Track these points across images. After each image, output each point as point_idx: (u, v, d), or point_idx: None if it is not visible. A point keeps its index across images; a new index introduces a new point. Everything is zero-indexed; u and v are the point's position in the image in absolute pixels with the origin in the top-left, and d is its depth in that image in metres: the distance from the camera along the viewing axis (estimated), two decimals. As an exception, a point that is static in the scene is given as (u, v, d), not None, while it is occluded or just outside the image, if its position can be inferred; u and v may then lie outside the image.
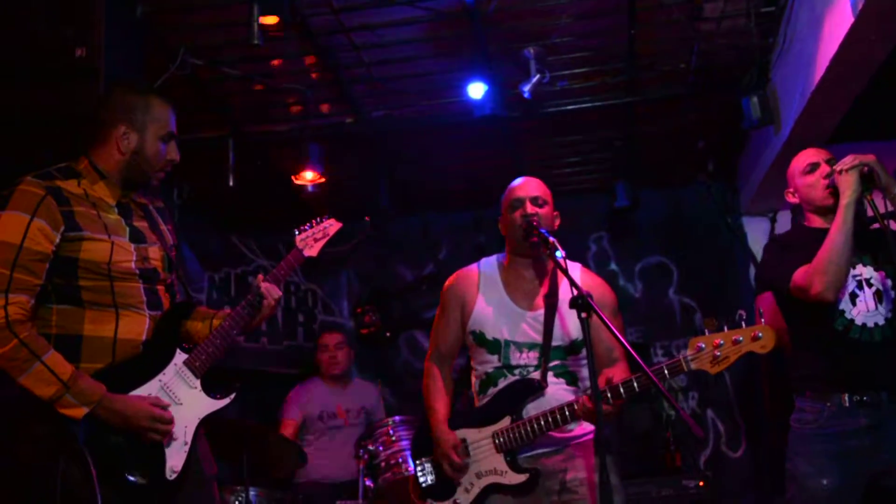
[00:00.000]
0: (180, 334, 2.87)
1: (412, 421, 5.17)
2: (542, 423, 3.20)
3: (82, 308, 2.65)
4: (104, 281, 2.66)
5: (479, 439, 3.34)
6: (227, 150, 5.85)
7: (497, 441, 3.30)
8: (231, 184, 5.82)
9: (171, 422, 2.67)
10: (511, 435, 3.27)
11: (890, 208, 3.37)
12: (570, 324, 3.34)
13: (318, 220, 3.25)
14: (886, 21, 3.88)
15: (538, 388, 3.30)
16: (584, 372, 3.40)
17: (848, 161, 3.36)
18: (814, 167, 3.55)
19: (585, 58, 5.42)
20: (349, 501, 4.79)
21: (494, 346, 3.41)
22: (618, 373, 3.20)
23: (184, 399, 2.76)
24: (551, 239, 3.13)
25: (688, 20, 4.96)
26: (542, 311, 3.37)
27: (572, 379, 3.37)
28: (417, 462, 3.53)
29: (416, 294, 7.91)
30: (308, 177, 5.92)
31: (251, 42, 4.30)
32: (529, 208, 3.36)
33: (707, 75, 5.55)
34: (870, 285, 3.44)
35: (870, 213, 3.36)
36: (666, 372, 3.03)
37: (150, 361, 2.74)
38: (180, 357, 2.79)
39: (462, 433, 3.38)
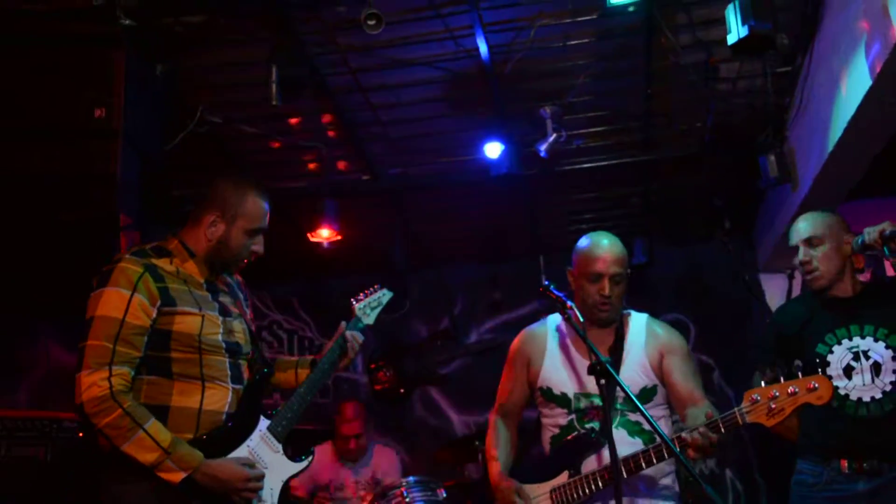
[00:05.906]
0: (262, 404, 3.03)
1: (427, 482, 5.07)
2: (599, 478, 3.15)
3: (171, 380, 2.80)
4: (194, 354, 2.82)
5: (538, 495, 3.30)
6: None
7: (554, 497, 3.26)
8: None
9: (262, 479, 2.84)
10: (568, 490, 3.23)
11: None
12: (635, 374, 3.30)
13: (372, 289, 3.51)
14: (905, 83, 3.87)
15: (596, 443, 3.25)
16: (657, 422, 3.33)
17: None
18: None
19: (602, 117, 5.44)
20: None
21: (563, 401, 3.37)
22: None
23: (269, 463, 2.92)
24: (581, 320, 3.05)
25: (704, 80, 4.97)
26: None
27: (638, 430, 3.29)
28: None
29: (430, 349, 7.84)
30: (324, 234, 5.90)
31: (271, 103, 4.33)
32: (607, 290, 3.30)
33: (723, 134, 5.54)
34: (867, 357, 3.38)
35: (890, 272, 3.33)
36: (721, 427, 2.93)
37: (238, 430, 2.89)
38: (264, 423, 2.96)
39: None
